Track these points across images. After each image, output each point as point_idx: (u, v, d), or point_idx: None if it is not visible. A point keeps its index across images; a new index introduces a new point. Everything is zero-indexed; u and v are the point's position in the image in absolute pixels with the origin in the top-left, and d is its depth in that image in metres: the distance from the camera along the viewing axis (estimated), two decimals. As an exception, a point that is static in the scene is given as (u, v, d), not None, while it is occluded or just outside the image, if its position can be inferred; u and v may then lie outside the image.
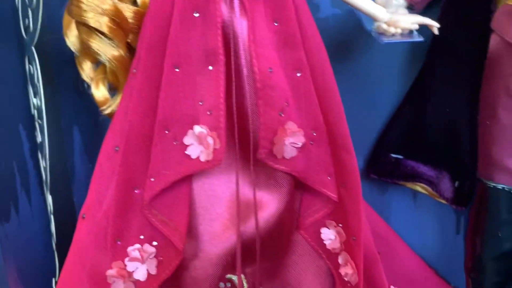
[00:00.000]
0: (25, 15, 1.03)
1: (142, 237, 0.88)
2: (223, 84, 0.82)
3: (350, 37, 1.14)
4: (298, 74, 0.88)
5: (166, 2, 0.84)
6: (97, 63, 0.97)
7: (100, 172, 0.92)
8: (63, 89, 1.18)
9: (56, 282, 1.12)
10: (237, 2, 0.83)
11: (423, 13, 1.01)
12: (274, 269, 0.96)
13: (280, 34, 0.86)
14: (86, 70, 0.97)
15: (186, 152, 0.84)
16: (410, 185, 1.19)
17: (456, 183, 1.12)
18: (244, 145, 0.87)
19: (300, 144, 0.87)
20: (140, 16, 0.91)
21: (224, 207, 0.89)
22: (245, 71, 0.84)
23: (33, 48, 1.02)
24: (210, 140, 0.82)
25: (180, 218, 0.87)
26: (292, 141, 0.87)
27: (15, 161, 1.08)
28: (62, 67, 1.11)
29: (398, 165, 1.16)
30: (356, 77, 1.16)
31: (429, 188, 1.15)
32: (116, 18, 0.90)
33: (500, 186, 0.97)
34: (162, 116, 0.84)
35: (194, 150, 0.83)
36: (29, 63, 1.05)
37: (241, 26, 0.84)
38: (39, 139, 1.11)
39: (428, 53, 1.09)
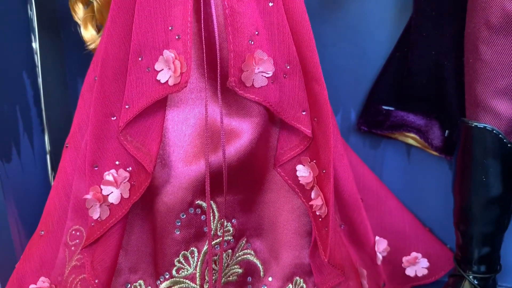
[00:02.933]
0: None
1: (117, 162, 0.91)
2: (190, 9, 0.85)
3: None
4: (271, 4, 0.89)
5: None
6: (88, 4, 1.03)
7: (82, 102, 0.97)
8: (69, 47, 1.24)
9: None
10: None
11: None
12: (250, 204, 0.97)
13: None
14: (78, 12, 1.04)
15: (157, 78, 0.87)
16: (401, 137, 1.16)
17: (446, 132, 1.09)
18: (215, 73, 0.89)
19: (270, 74, 0.88)
20: None
21: (196, 134, 0.91)
22: None
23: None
24: (177, 64, 0.84)
25: (152, 144, 0.90)
26: (261, 69, 0.88)
27: (18, 105, 1.15)
28: (66, 21, 1.17)
29: (388, 116, 1.14)
30: (346, 27, 1.15)
31: (418, 138, 1.13)
32: None
33: (481, 125, 0.94)
34: (136, 42, 0.88)
35: (164, 75, 0.86)
36: (30, 9, 1.12)
37: None
38: (39, 83, 1.17)
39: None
